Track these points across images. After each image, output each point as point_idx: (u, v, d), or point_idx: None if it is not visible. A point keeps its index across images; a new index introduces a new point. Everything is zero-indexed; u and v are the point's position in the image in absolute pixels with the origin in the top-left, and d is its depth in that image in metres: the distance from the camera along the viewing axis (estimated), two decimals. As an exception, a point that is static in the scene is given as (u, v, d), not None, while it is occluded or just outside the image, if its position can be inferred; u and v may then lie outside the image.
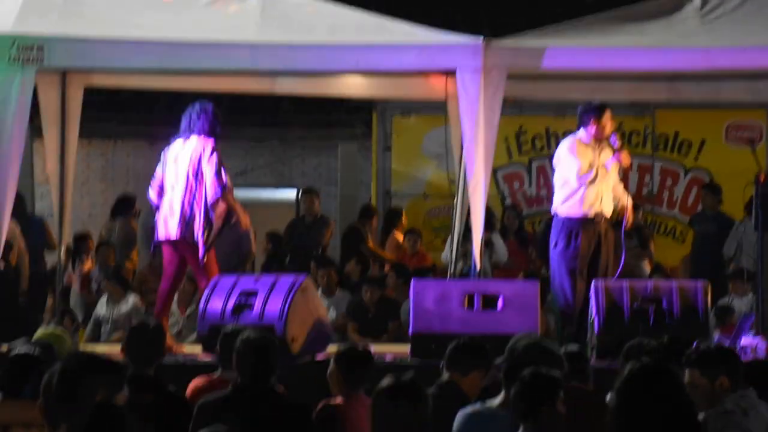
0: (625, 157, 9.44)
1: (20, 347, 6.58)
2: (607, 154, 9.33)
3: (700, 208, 13.12)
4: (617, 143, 9.40)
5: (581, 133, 9.32)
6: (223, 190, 8.92)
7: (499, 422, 5.48)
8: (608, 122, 9.29)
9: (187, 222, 8.92)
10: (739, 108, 12.97)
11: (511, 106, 11.27)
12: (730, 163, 13.07)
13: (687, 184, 13.65)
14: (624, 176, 13.45)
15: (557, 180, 9.36)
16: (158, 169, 9.18)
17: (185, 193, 8.93)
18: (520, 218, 13.05)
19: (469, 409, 5.69)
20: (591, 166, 9.14)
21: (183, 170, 8.97)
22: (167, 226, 8.99)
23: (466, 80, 9.09)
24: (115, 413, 4.12)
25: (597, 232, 9.26)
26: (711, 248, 12.45)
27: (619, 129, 13.22)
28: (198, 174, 8.93)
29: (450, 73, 9.41)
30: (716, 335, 9.21)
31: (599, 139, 9.29)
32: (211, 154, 8.93)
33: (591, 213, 9.20)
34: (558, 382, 5.21)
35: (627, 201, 9.48)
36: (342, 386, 6.28)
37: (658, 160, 13.68)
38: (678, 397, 4.20)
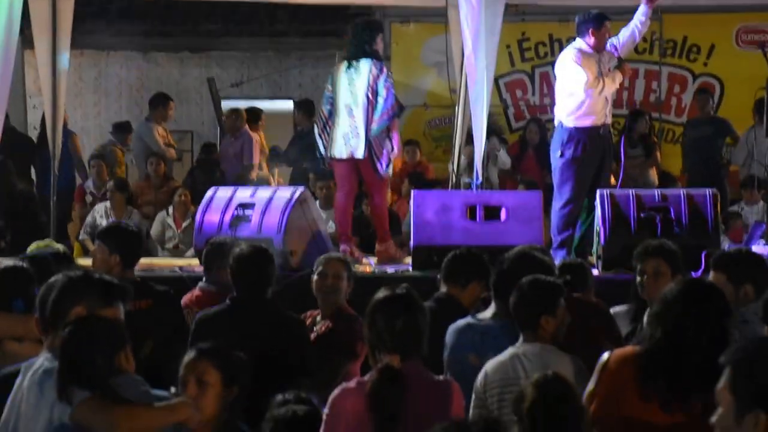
0: (627, 69, 9.32)
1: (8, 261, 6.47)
2: (606, 64, 9.12)
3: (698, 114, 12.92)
4: (617, 52, 9.20)
5: (580, 42, 9.10)
6: (399, 112, 9.15)
7: (492, 334, 5.41)
8: (606, 32, 9.07)
9: (371, 142, 9.00)
10: (750, 11, 12.69)
11: (514, 13, 11.09)
12: (740, 68, 12.86)
13: (695, 90, 13.41)
14: (630, 84, 13.27)
15: (561, 89, 9.18)
16: (328, 87, 9.27)
17: (366, 115, 8.99)
18: (542, 132, 12.75)
19: (461, 323, 5.61)
20: (597, 78, 8.95)
21: (362, 92, 9.02)
22: (349, 145, 9.06)
23: (467, -15, 8.90)
24: (92, 326, 4.09)
25: (602, 142, 9.12)
26: (704, 153, 12.24)
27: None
28: (376, 95, 9.00)
29: (450, -22, 9.21)
30: (726, 243, 9.10)
31: (598, 50, 9.08)
32: (388, 77, 9.03)
33: (598, 123, 9.06)
34: (559, 290, 5.13)
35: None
36: None
37: (666, 66, 13.44)
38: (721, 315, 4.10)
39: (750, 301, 5.28)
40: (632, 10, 12.60)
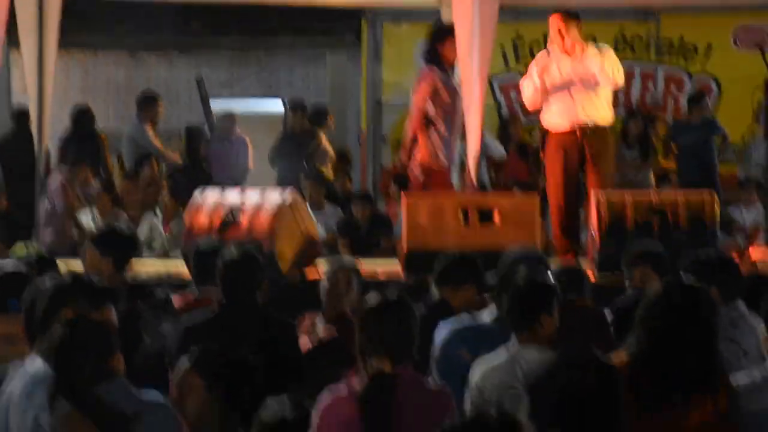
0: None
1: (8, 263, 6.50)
2: (574, 62, 8.98)
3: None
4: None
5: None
6: (420, 124, 9.16)
7: (490, 334, 5.30)
8: (562, 29, 8.95)
9: (409, 150, 9.34)
10: (748, 10, 12.59)
11: (508, 12, 10.95)
12: (737, 69, 12.76)
13: (690, 97, 13.31)
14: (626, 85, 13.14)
15: None
16: None
17: (410, 122, 9.27)
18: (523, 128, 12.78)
19: (459, 325, 5.51)
20: (553, 81, 8.81)
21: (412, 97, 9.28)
22: None
23: (460, -16, 8.83)
24: (83, 330, 4.03)
25: (582, 143, 8.88)
26: (698, 157, 12.12)
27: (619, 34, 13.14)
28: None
29: (443, -24, 9.15)
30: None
31: (567, 50, 8.96)
32: (419, 84, 9.13)
33: (574, 124, 8.84)
34: (555, 290, 5.08)
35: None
36: None
37: (662, 66, 13.36)
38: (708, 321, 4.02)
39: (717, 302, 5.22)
40: (631, 10, 12.51)
